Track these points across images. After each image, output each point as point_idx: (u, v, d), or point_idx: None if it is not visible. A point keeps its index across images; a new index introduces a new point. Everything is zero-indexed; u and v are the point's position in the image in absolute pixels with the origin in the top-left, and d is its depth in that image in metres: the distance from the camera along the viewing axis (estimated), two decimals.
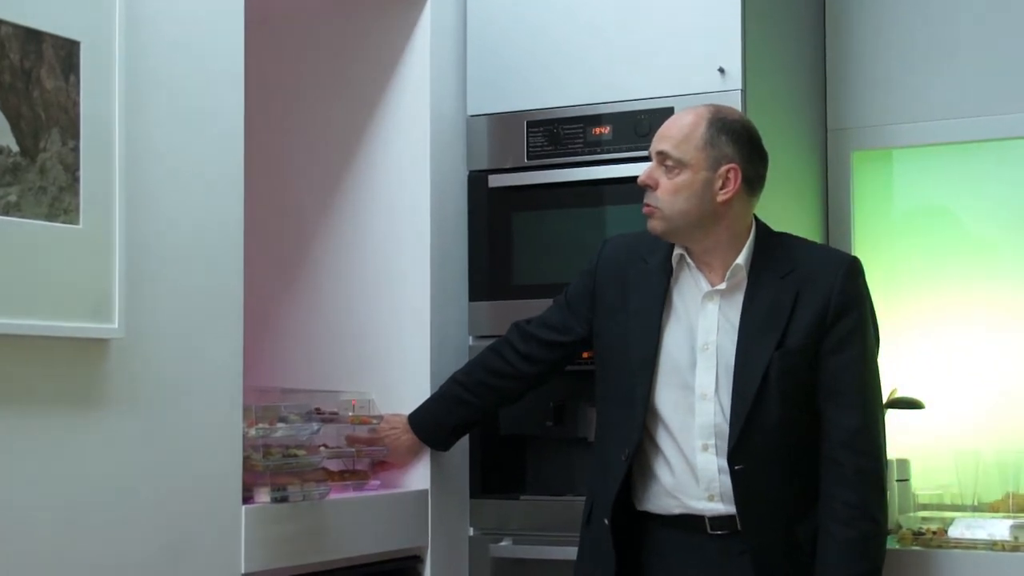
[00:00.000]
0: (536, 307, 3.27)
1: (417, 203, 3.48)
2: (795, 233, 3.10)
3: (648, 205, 2.92)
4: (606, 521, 2.96)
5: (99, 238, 2.49)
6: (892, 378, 3.59)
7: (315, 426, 3.07)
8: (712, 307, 2.94)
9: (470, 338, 3.58)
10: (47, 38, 2.41)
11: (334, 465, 3.25)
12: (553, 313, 3.21)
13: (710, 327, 2.93)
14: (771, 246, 2.96)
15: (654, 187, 2.91)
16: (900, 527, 3.40)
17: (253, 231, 2.99)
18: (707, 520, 2.91)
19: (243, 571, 2.80)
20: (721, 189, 2.90)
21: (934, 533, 3.30)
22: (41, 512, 2.39)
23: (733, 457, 2.86)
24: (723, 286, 2.93)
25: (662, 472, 2.96)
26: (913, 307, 3.95)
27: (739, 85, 3.34)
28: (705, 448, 2.91)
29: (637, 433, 2.94)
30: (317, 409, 3.16)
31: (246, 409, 2.87)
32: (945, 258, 3.97)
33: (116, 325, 2.51)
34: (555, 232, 3.55)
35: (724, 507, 2.90)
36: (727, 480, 2.88)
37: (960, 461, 3.78)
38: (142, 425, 2.59)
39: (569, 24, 3.56)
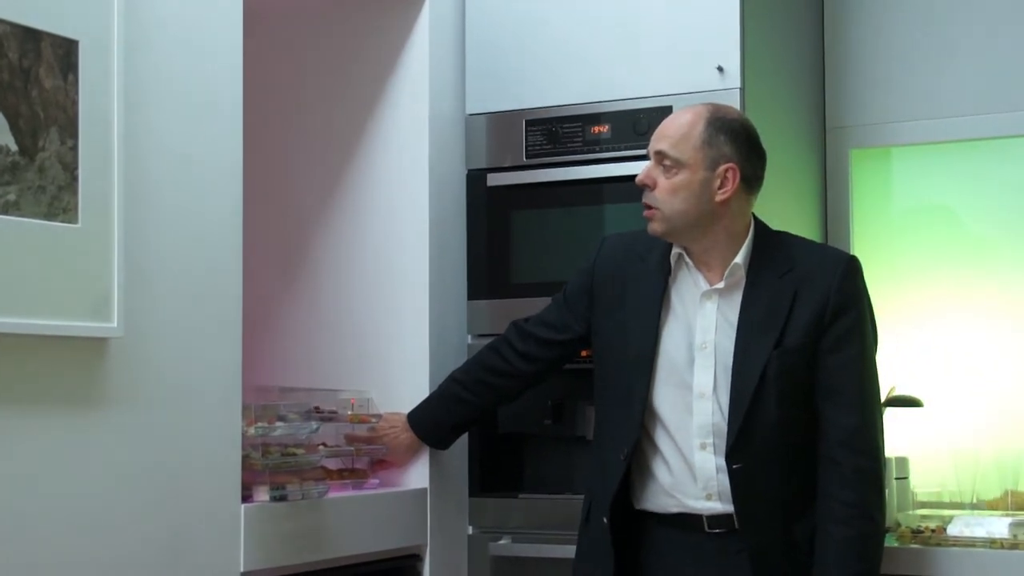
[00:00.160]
0: (535, 306, 3.27)
1: (416, 202, 3.48)
2: (794, 232, 3.10)
3: (649, 207, 2.92)
4: (604, 520, 2.96)
5: (98, 237, 2.49)
6: (891, 376, 3.59)
7: (314, 425, 3.08)
8: (710, 306, 2.94)
9: (469, 337, 3.58)
10: (45, 37, 2.41)
11: (333, 464, 3.25)
12: (551, 311, 3.21)
13: (708, 326, 2.93)
14: (769, 245, 2.96)
15: (652, 187, 2.91)
16: (899, 525, 3.40)
17: (252, 230, 3.00)
18: (705, 519, 2.91)
19: (242, 570, 2.80)
20: (720, 189, 2.90)
21: (933, 531, 3.30)
22: (40, 511, 2.39)
23: (731, 456, 2.86)
24: (721, 285, 2.93)
25: (660, 471, 2.96)
26: (912, 305, 3.95)
27: (738, 83, 3.34)
28: (703, 447, 2.91)
29: (635, 432, 2.94)
30: (316, 408, 3.16)
31: (245, 408, 2.87)
32: (944, 256, 3.97)
33: (115, 324, 2.51)
34: (554, 231, 3.55)
35: (722, 506, 2.90)
36: (725, 479, 2.88)
37: (959, 459, 3.78)
38: (141, 424, 2.59)
39: (568, 22, 3.55)
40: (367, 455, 3.32)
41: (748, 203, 2.97)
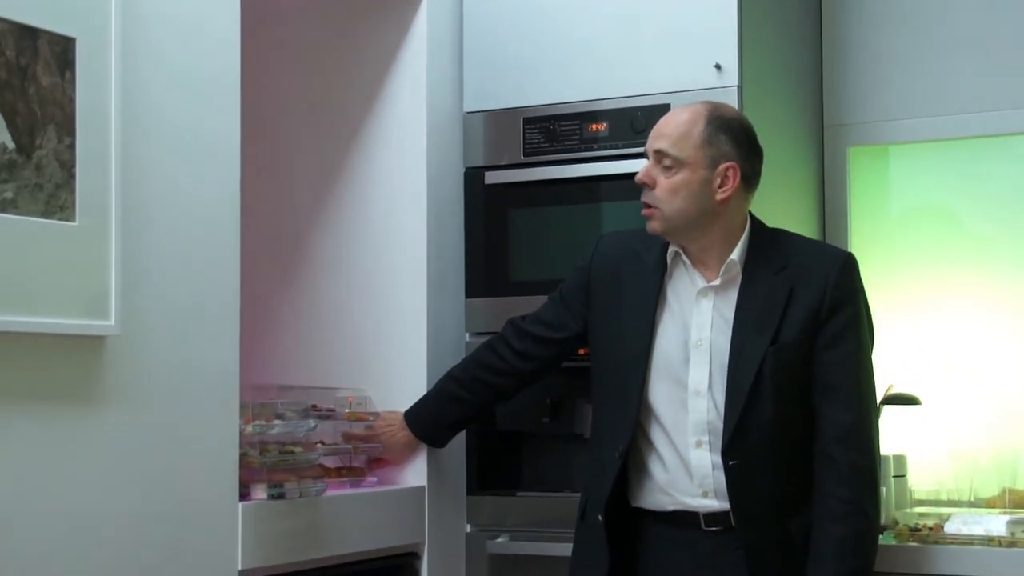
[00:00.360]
0: (533, 304, 3.27)
1: (414, 200, 3.47)
2: (791, 230, 3.10)
3: (648, 205, 2.91)
4: (600, 517, 2.96)
5: (95, 235, 2.49)
6: (889, 374, 3.59)
7: (312, 423, 3.07)
8: (706, 303, 2.94)
9: (467, 335, 3.58)
10: (43, 35, 2.41)
11: (331, 462, 3.25)
12: (548, 310, 3.21)
13: (704, 323, 2.93)
14: (766, 242, 2.97)
15: (652, 186, 2.91)
16: (897, 523, 3.40)
17: (250, 228, 3.00)
18: (701, 516, 2.92)
19: (240, 568, 2.80)
20: (720, 187, 2.90)
21: (931, 529, 3.30)
22: (37, 509, 2.39)
23: (727, 453, 2.86)
24: (718, 282, 2.93)
25: (656, 468, 2.96)
26: (910, 303, 3.95)
27: (735, 81, 3.34)
28: (699, 444, 2.91)
29: (630, 430, 2.95)
30: (314, 406, 3.16)
31: (243, 406, 2.87)
32: (942, 254, 3.97)
33: (112, 322, 2.51)
34: (552, 229, 3.55)
35: (718, 503, 2.90)
36: (721, 476, 2.88)
37: (957, 457, 3.78)
38: (139, 422, 2.59)
39: (566, 21, 3.55)
40: (365, 453, 3.32)
41: (746, 201, 2.97)
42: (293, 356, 3.57)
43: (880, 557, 2.98)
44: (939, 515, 3.43)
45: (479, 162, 3.61)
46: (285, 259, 3.63)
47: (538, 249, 3.57)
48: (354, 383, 3.43)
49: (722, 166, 2.90)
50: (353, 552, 3.15)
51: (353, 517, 3.15)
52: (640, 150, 3.28)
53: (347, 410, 3.31)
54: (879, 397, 3.27)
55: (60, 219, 2.43)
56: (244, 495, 2.85)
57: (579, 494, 3.11)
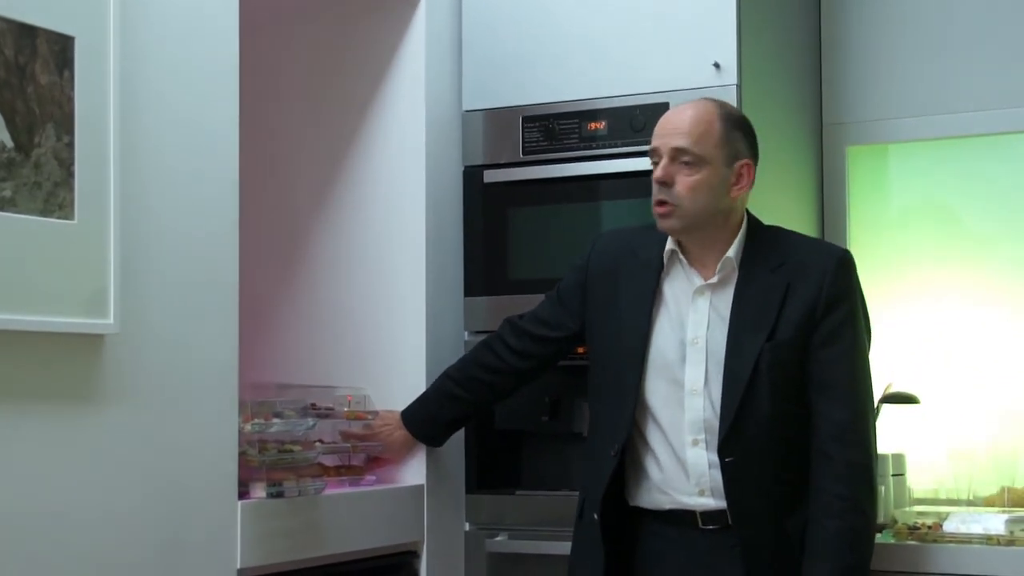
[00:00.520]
0: (532, 302, 3.27)
1: (412, 198, 3.47)
2: (791, 228, 3.10)
3: (665, 203, 2.90)
4: (595, 516, 2.96)
5: (94, 233, 2.49)
6: (887, 373, 3.59)
7: (311, 422, 3.07)
8: (703, 302, 2.94)
9: (465, 333, 3.58)
10: (41, 33, 2.41)
11: (330, 461, 3.25)
12: (545, 308, 3.21)
13: (700, 321, 2.93)
14: (762, 239, 2.97)
15: (672, 184, 2.90)
16: (895, 521, 3.41)
17: (248, 226, 2.99)
18: (698, 515, 2.92)
19: (239, 566, 2.80)
20: (735, 185, 2.91)
21: (929, 528, 3.30)
22: (36, 508, 2.38)
23: (723, 449, 2.87)
24: (714, 279, 2.93)
25: (652, 467, 2.96)
26: (908, 302, 3.95)
27: (734, 80, 3.34)
28: (695, 443, 2.91)
29: (626, 428, 2.95)
30: (313, 405, 3.16)
31: (242, 404, 2.87)
32: (940, 253, 3.97)
33: (111, 320, 2.51)
34: (550, 227, 3.55)
35: (715, 502, 2.90)
36: (717, 475, 2.88)
37: (955, 456, 3.78)
38: (137, 420, 2.59)
39: (564, 19, 3.55)
40: (363, 452, 3.32)
41: (747, 199, 2.98)
42: (292, 355, 3.57)
43: (879, 556, 2.98)
44: (938, 514, 3.43)
45: (478, 161, 3.61)
46: (284, 257, 3.62)
47: (537, 248, 3.57)
48: (353, 382, 3.43)
49: (738, 164, 2.91)
50: (352, 551, 3.15)
51: (352, 516, 3.15)
52: (639, 149, 3.30)
53: (346, 409, 3.31)
54: (877, 395, 3.28)
55: (59, 217, 2.43)
56: (243, 494, 2.85)
57: (578, 493, 3.11)
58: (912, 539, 3.28)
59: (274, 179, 3.62)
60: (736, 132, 2.92)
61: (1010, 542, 3.19)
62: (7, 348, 2.34)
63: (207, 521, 2.74)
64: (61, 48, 2.44)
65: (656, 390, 2.95)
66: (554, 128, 3.53)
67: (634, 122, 3.43)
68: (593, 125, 3.49)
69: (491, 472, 3.59)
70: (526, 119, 3.56)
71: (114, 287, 2.51)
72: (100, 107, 2.51)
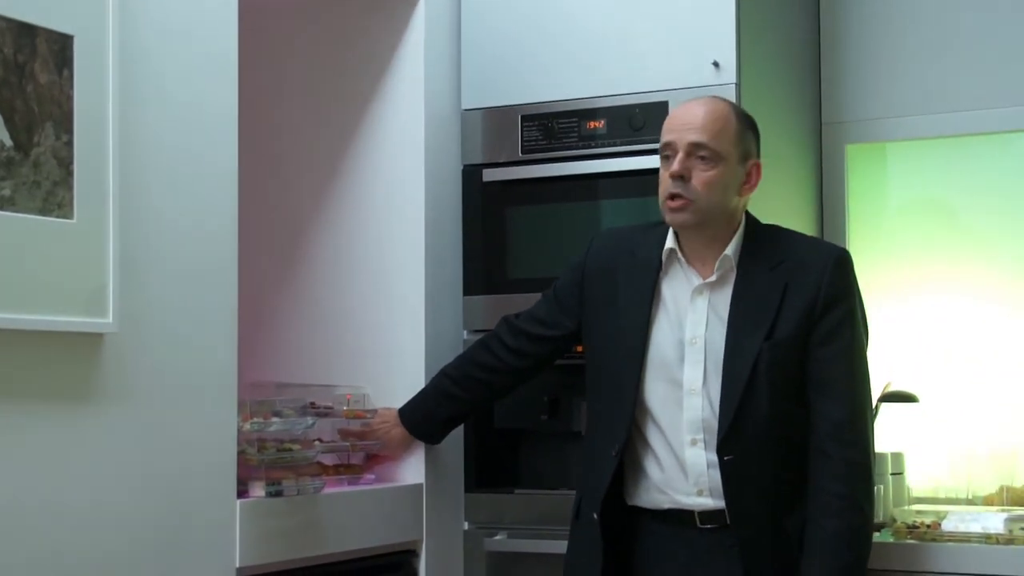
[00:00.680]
0: (531, 301, 3.27)
1: (411, 197, 3.47)
2: (790, 226, 3.10)
3: (680, 197, 2.89)
4: (595, 516, 2.96)
5: (93, 232, 2.48)
6: (886, 371, 3.59)
7: (310, 420, 3.07)
8: (701, 301, 2.94)
9: (464, 332, 3.58)
10: (40, 32, 2.41)
11: (329, 459, 3.25)
12: (541, 307, 3.21)
13: (699, 320, 2.93)
14: (760, 238, 2.97)
15: (688, 179, 2.90)
16: (894, 520, 3.41)
17: (247, 225, 2.99)
18: (696, 515, 2.92)
19: (238, 565, 2.80)
20: (745, 184, 2.92)
21: (928, 526, 3.30)
22: (34, 506, 2.38)
23: (722, 448, 2.86)
24: (713, 278, 2.93)
25: (651, 467, 2.96)
26: (907, 301, 3.95)
27: (733, 79, 3.34)
28: (694, 443, 2.91)
29: (626, 428, 2.95)
30: (312, 403, 3.16)
31: (241, 403, 2.87)
32: (939, 251, 3.97)
33: (110, 319, 2.51)
34: (549, 226, 3.55)
35: (713, 502, 2.90)
36: (716, 475, 2.88)
37: (954, 455, 3.78)
38: (136, 419, 2.59)
39: (563, 18, 3.55)
40: (362, 450, 3.32)
41: (749, 198, 2.98)
42: (291, 353, 3.57)
43: (877, 555, 2.99)
44: (937, 513, 3.43)
45: (477, 159, 3.61)
46: (283, 256, 3.62)
47: (536, 246, 3.56)
48: (352, 380, 3.43)
49: (749, 163, 2.93)
50: (351, 550, 3.15)
51: (351, 514, 3.15)
52: (638, 148, 3.31)
53: (345, 407, 3.31)
54: (876, 394, 3.28)
55: (58, 216, 2.42)
56: (242, 492, 2.85)
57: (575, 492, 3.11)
58: (911, 538, 3.28)
59: (273, 178, 3.62)
60: (748, 131, 2.94)
61: (1009, 541, 3.19)
62: (6, 347, 2.34)
63: (206, 520, 2.74)
64: (60, 47, 2.44)
65: (655, 390, 2.95)
66: (553, 127, 3.53)
67: (633, 121, 3.43)
68: (592, 124, 3.49)
69: (490, 471, 3.59)
70: (525, 118, 3.56)
71: (113, 286, 2.51)
72: (99, 106, 2.50)
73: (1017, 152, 3.93)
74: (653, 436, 2.96)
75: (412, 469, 3.40)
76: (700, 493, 2.91)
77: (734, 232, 2.95)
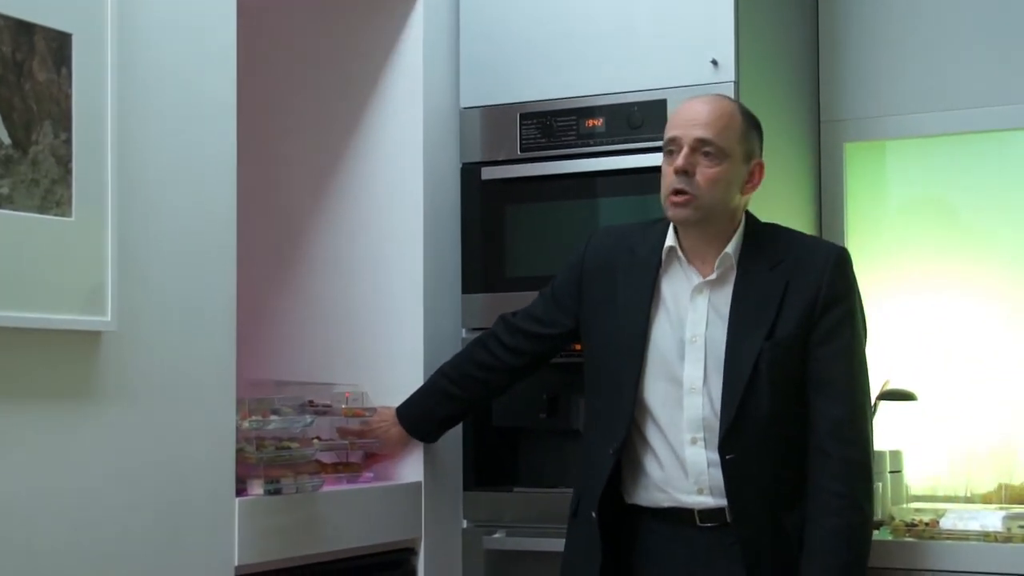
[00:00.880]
0: (529, 299, 3.27)
1: (410, 195, 3.47)
2: (789, 225, 3.10)
3: (684, 192, 2.89)
4: (593, 514, 2.96)
5: (91, 230, 2.48)
6: (885, 370, 3.59)
7: (308, 419, 3.07)
8: (701, 300, 2.94)
9: (463, 330, 3.58)
10: (39, 30, 2.41)
11: (327, 458, 3.25)
12: (539, 306, 3.21)
13: (699, 319, 2.93)
14: (760, 237, 2.97)
15: (693, 174, 2.89)
16: (893, 518, 3.41)
17: (246, 223, 3.00)
18: (696, 513, 2.92)
19: (236, 563, 2.80)
20: (747, 183, 2.92)
21: (927, 524, 3.30)
22: (33, 504, 2.38)
23: (723, 447, 2.86)
24: (713, 276, 2.93)
25: (651, 466, 2.96)
26: (906, 298, 3.95)
27: (732, 77, 3.34)
28: (694, 441, 2.91)
29: (625, 427, 2.94)
30: (310, 402, 3.16)
31: (239, 401, 2.87)
32: (938, 249, 3.97)
33: (109, 317, 2.51)
34: (548, 224, 3.55)
35: (713, 500, 2.90)
36: (717, 473, 2.88)
37: (953, 453, 3.79)
38: (135, 417, 2.59)
39: (562, 16, 3.55)
40: (360, 449, 3.32)
41: (750, 197, 2.98)
42: (289, 352, 3.57)
43: (876, 552, 2.99)
44: (935, 511, 3.43)
45: (476, 158, 3.61)
46: (282, 255, 3.62)
47: (535, 245, 3.56)
48: (351, 379, 3.43)
49: (753, 162, 2.93)
50: (350, 548, 3.15)
51: (349, 513, 3.15)
52: (637, 146, 3.31)
53: (343, 406, 3.31)
54: (875, 392, 3.28)
55: (56, 214, 2.42)
56: (240, 490, 2.85)
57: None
58: (909, 536, 3.28)
59: (272, 176, 3.62)
60: (753, 131, 2.94)
61: (1007, 539, 3.19)
62: (5, 346, 2.34)
63: (205, 518, 2.74)
64: (59, 45, 2.44)
65: (655, 389, 2.94)
66: (552, 125, 3.53)
67: (632, 119, 3.43)
68: (591, 122, 3.49)
69: (489, 469, 3.59)
70: (524, 116, 3.56)
71: (111, 284, 2.51)
72: (97, 104, 2.50)
73: (1017, 150, 3.93)
74: (653, 435, 2.95)
75: (411, 467, 3.40)
76: (700, 492, 2.91)
77: (734, 231, 2.95)
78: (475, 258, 3.59)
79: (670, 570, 2.95)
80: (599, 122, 3.48)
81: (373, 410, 3.34)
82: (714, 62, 3.35)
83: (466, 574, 3.53)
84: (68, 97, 2.45)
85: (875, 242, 3.99)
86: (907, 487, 3.75)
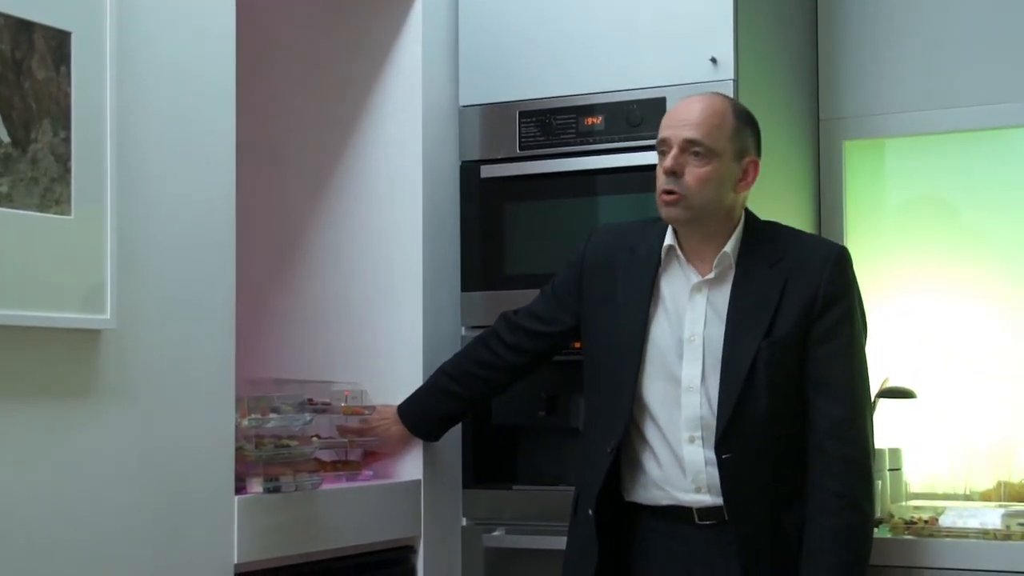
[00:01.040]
0: (529, 297, 3.27)
1: (409, 193, 3.47)
2: (787, 223, 3.10)
3: (674, 192, 2.89)
4: (590, 512, 2.96)
5: (91, 229, 2.49)
6: (884, 368, 3.59)
7: (307, 416, 3.08)
8: (700, 298, 2.94)
9: (463, 328, 3.58)
10: (38, 28, 2.41)
11: (327, 456, 3.25)
12: (539, 303, 3.21)
13: (697, 318, 2.93)
14: (760, 235, 2.97)
15: (682, 174, 2.90)
16: (892, 516, 3.41)
17: (245, 221, 2.99)
18: (694, 511, 2.92)
19: (236, 561, 2.80)
20: (740, 181, 2.91)
21: (926, 522, 3.30)
22: (32, 502, 2.39)
23: (720, 446, 2.86)
24: (712, 275, 2.93)
25: (649, 464, 2.96)
26: (905, 297, 3.95)
27: (731, 75, 3.34)
28: (692, 440, 2.91)
29: (623, 425, 2.94)
30: (310, 400, 3.16)
31: (238, 399, 2.87)
32: (937, 247, 3.97)
33: (108, 316, 2.51)
34: (547, 222, 3.55)
35: (711, 499, 2.90)
36: (714, 472, 2.88)
37: (952, 450, 3.79)
38: (134, 416, 2.59)
39: (561, 14, 3.55)
40: (360, 447, 3.32)
41: (747, 195, 2.98)
42: (289, 350, 3.57)
43: (875, 550, 2.99)
44: (934, 508, 3.43)
45: (475, 156, 3.61)
46: (281, 253, 3.62)
47: (534, 243, 3.57)
48: (350, 377, 3.43)
49: (745, 160, 2.92)
50: (349, 546, 3.15)
51: (349, 511, 3.15)
52: (636, 144, 3.31)
53: (343, 404, 3.31)
54: (875, 390, 3.28)
55: (55, 213, 2.42)
56: (240, 489, 2.85)
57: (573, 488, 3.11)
58: (908, 534, 3.28)
59: (271, 174, 3.62)
60: (746, 128, 2.93)
61: (1006, 536, 3.19)
62: (4, 344, 2.34)
63: (204, 516, 2.74)
64: (58, 44, 2.44)
65: (653, 387, 2.95)
66: (551, 123, 3.53)
67: (631, 117, 3.43)
68: (590, 120, 3.49)
69: (488, 467, 3.59)
70: (523, 114, 3.56)
71: (111, 282, 2.51)
72: (97, 103, 2.50)
73: (1016, 148, 3.93)
74: (651, 433, 2.96)
75: (410, 465, 3.40)
76: (698, 490, 2.91)
77: (733, 229, 2.95)
78: (474, 256, 3.59)
79: (668, 568, 2.95)
80: (598, 120, 3.48)
81: (372, 408, 3.34)
82: (713, 60, 3.35)
83: (465, 572, 3.53)
84: (67, 95, 2.46)
85: (874, 240, 3.99)
86: (906, 485, 3.75)
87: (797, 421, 2.91)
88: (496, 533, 3.50)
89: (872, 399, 3.12)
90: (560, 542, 3.14)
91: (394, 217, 3.49)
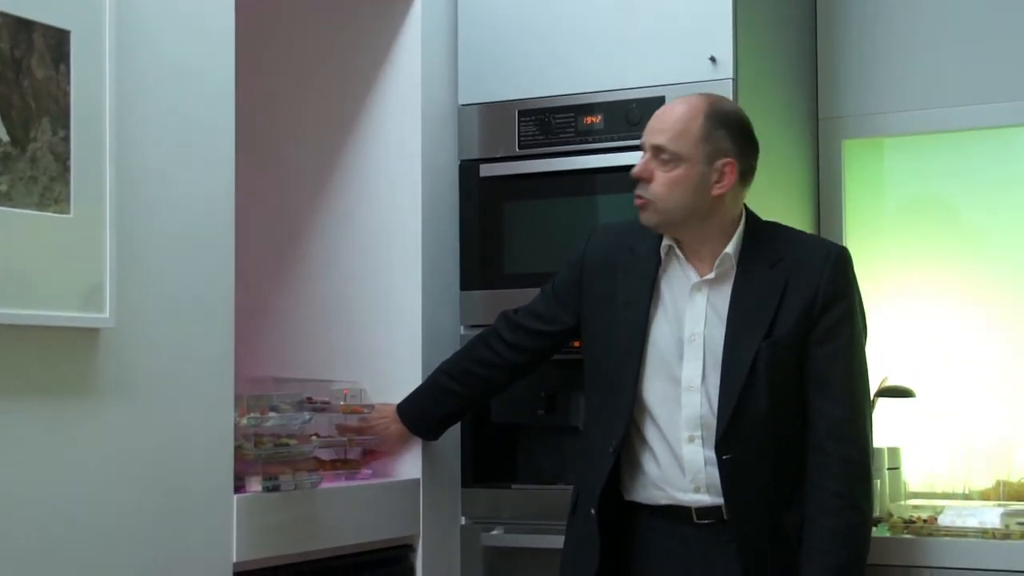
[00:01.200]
0: (528, 296, 3.27)
1: (408, 192, 3.47)
2: (786, 222, 3.10)
3: (640, 197, 2.91)
4: (592, 511, 2.96)
5: (90, 227, 2.48)
6: (883, 367, 3.59)
7: (307, 415, 3.08)
8: (700, 298, 2.94)
9: (462, 327, 3.58)
10: (37, 27, 2.41)
11: (326, 454, 3.25)
12: (540, 302, 3.21)
13: (697, 317, 2.93)
14: (760, 236, 2.97)
15: (649, 180, 2.90)
16: (891, 515, 3.41)
17: (244, 220, 2.99)
18: (693, 511, 2.92)
19: (235, 560, 2.80)
20: (716, 183, 2.90)
21: (925, 521, 3.31)
22: (31, 502, 2.38)
23: (720, 447, 2.86)
24: (712, 275, 2.93)
25: (648, 463, 2.96)
26: (904, 296, 3.95)
27: (730, 74, 3.34)
28: (691, 440, 2.91)
29: (623, 425, 2.94)
30: (309, 398, 3.16)
31: (237, 398, 2.87)
32: (937, 247, 3.97)
33: (107, 315, 2.51)
34: (547, 221, 3.55)
35: (710, 498, 2.90)
36: (714, 472, 2.88)
37: (951, 449, 3.79)
38: (133, 414, 2.59)
39: (561, 13, 3.55)
40: (359, 446, 3.32)
41: (741, 195, 2.97)
42: (288, 348, 3.57)
43: (874, 549, 2.99)
44: (933, 507, 3.43)
45: (474, 155, 3.61)
46: (280, 252, 3.62)
47: (533, 242, 3.57)
48: (349, 376, 3.43)
49: (719, 162, 2.89)
50: (348, 545, 3.15)
51: (348, 510, 3.15)
52: (635, 143, 3.28)
53: (342, 403, 3.31)
54: (873, 390, 3.28)
55: (55, 212, 2.42)
56: (239, 487, 2.85)
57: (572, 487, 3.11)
58: (907, 533, 3.28)
59: (270, 173, 3.62)
60: (720, 130, 2.90)
61: (1005, 535, 3.20)
62: (3, 342, 2.34)
63: (203, 515, 2.74)
64: (57, 42, 2.44)
65: (653, 387, 2.95)
66: (550, 122, 3.53)
67: (630, 116, 3.43)
68: (589, 119, 3.49)
69: (487, 466, 3.59)
70: (522, 113, 3.56)
71: (110, 281, 2.51)
72: (96, 101, 2.50)
73: (1016, 147, 3.93)
74: (651, 433, 2.96)
75: (409, 464, 3.40)
76: (697, 490, 2.91)
77: (734, 229, 2.95)
78: (473, 255, 3.59)
79: (667, 567, 2.95)
80: (597, 119, 3.48)
81: (371, 407, 3.34)
82: (712, 59, 3.35)
83: (464, 571, 3.53)
84: (67, 94, 2.45)
85: (873, 239, 3.99)
86: (905, 484, 3.75)
87: (797, 421, 2.91)
88: (495, 532, 3.50)
89: (871, 399, 3.12)
90: (558, 541, 3.13)
91: (393, 216, 3.49)
